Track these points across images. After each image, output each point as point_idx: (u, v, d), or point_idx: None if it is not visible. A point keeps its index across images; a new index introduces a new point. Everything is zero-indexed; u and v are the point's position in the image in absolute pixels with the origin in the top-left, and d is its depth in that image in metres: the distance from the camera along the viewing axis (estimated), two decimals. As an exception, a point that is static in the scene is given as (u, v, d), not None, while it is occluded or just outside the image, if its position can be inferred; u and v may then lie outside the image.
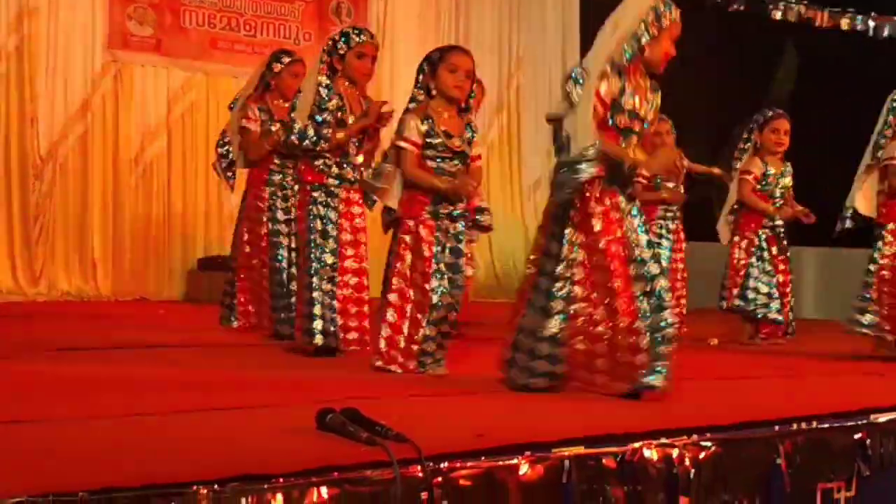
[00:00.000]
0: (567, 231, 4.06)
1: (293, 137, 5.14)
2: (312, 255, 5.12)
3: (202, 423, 3.28)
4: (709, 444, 3.34)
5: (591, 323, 4.04)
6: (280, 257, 6.03)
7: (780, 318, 6.50)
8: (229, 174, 6.38)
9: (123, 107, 8.89)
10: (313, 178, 5.21)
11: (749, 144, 6.60)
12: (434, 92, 4.69)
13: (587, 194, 4.05)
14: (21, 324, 6.69)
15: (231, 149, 6.33)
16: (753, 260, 6.52)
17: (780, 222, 6.60)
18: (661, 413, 3.73)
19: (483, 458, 2.88)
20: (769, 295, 6.48)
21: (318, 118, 5.11)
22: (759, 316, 6.52)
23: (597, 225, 4.05)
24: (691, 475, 3.27)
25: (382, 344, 4.63)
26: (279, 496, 2.52)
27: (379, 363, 4.63)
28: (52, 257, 8.54)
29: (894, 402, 3.98)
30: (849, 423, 3.74)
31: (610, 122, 4.06)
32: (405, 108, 4.74)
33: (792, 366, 5.45)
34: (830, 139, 7.93)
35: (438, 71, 4.66)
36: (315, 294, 5.10)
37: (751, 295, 6.49)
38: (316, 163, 5.19)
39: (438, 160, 4.64)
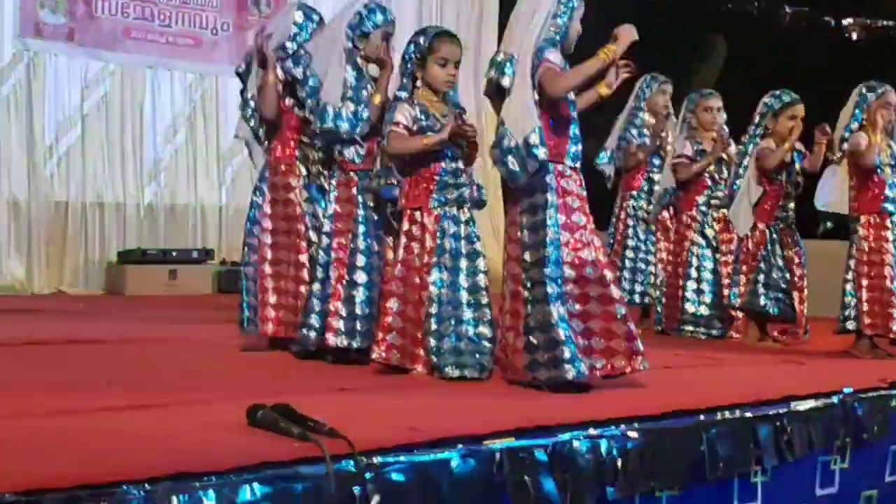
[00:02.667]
0: (548, 213, 4.07)
1: (329, 124, 4.76)
2: (368, 249, 4.79)
3: (131, 421, 3.23)
4: (635, 434, 3.39)
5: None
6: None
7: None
8: (261, 134, 5.39)
9: (37, 96, 8.69)
10: (358, 164, 4.89)
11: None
12: (420, 83, 4.51)
13: (552, 175, 4.10)
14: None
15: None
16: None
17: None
18: (589, 404, 3.78)
19: (416, 451, 2.89)
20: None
21: (353, 98, 4.81)
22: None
23: (574, 203, 4.13)
24: (619, 465, 3.32)
25: (392, 338, 4.38)
26: (211, 494, 2.50)
27: (396, 359, 4.39)
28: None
29: (812, 391, 4.09)
30: (769, 412, 3.83)
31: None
32: (394, 97, 4.53)
33: (714, 356, 5.54)
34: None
35: (427, 63, 4.46)
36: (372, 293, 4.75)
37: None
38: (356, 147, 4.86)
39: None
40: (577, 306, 4.11)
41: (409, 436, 2.96)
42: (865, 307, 5.58)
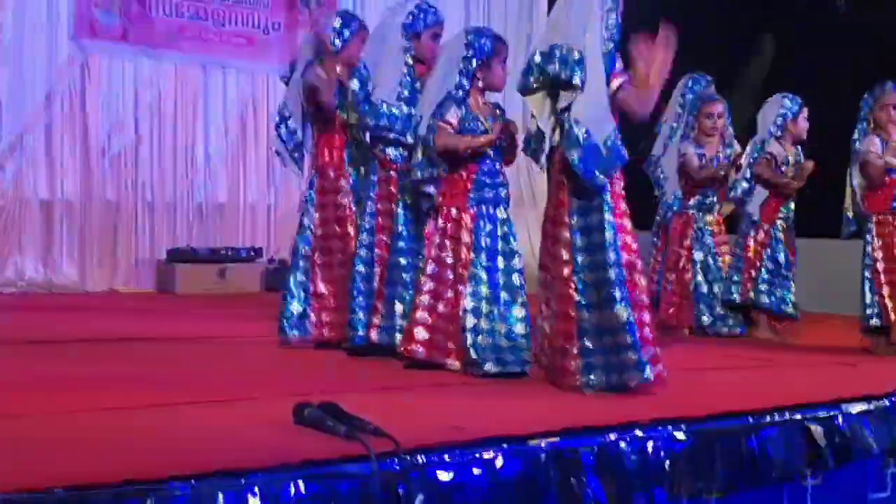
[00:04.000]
0: (605, 216, 4.03)
1: (382, 123, 4.86)
2: (408, 248, 4.82)
3: (179, 418, 3.26)
4: (682, 435, 3.36)
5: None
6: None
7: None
8: (296, 155, 5.48)
9: (91, 96, 8.79)
10: (395, 165, 4.98)
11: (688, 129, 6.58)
12: (481, 84, 4.57)
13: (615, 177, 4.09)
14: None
15: (295, 125, 5.45)
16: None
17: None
18: (636, 405, 3.75)
19: (460, 450, 2.89)
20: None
21: (407, 99, 4.88)
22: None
23: (621, 205, 4.11)
24: (666, 466, 3.29)
25: (422, 334, 4.47)
26: (256, 491, 2.51)
27: (424, 354, 4.46)
28: (20, 248, 8.45)
29: (865, 393, 4.03)
30: (820, 414, 3.78)
31: None
32: (447, 93, 4.51)
33: (767, 357, 5.48)
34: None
35: (492, 64, 4.55)
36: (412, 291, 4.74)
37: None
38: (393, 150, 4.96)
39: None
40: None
41: (454, 435, 2.96)
42: (890, 304, 5.62)
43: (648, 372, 3.94)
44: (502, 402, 3.79)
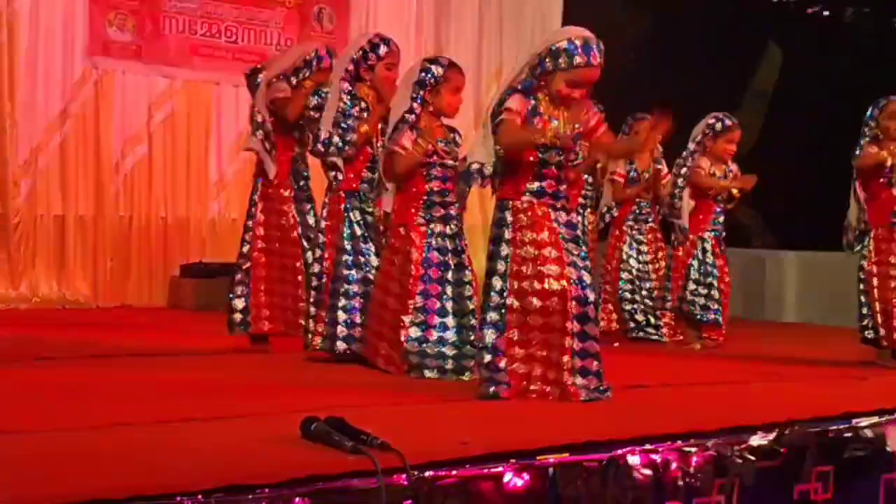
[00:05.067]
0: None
1: (319, 146, 5.25)
2: (352, 261, 5.23)
3: (186, 434, 3.27)
4: (692, 449, 3.36)
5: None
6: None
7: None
8: (268, 145, 5.81)
9: (104, 113, 8.84)
10: (346, 184, 5.33)
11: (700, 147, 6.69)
12: (431, 108, 4.91)
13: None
14: (1, 331, 6.64)
15: (269, 128, 5.81)
16: (694, 262, 6.68)
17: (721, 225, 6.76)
18: (644, 418, 3.74)
19: (468, 465, 2.89)
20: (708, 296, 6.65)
21: (343, 125, 5.23)
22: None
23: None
24: (678, 481, 3.29)
25: (384, 347, 4.87)
26: (264, 506, 2.52)
27: (381, 365, 4.87)
28: (33, 264, 8.49)
29: (875, 407, 4.02)
30: (830, 427, 3.77)
31: None
32: (401, 118, 4.86)
33: (775, 370, 5.47)
34: (804, 147, 7.99)
35: (441, 90, 4.90)
36: (343, 302, 5.20)
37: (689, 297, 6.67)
38: (346, 170, 5.32)
39: (436, 165, 4.91)
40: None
41: (461, 450, 2.96)
42: (881, 319, 5.72)
43: None
44: (510, 417, 3.78)
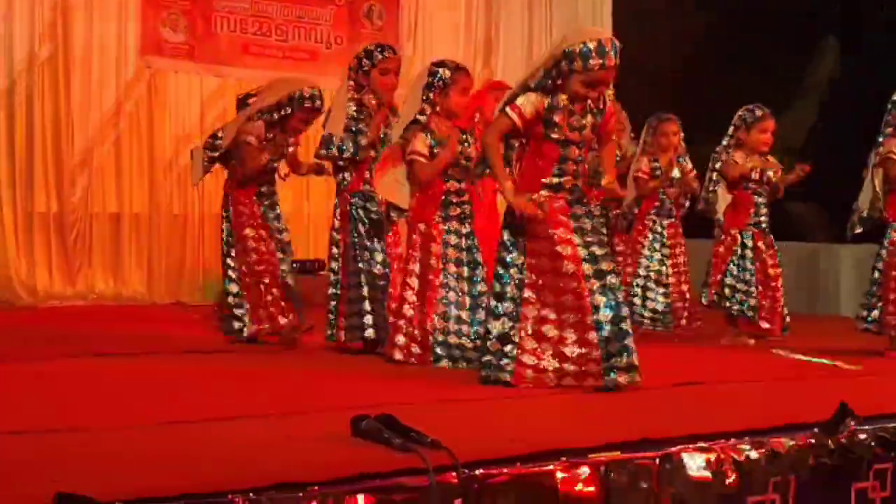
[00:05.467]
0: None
1: (333, 150, 5.53)
2: (360, 258, 5.52)
3: (238, 431, 3.29)
4: (747, 446, 3.31)
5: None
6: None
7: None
8: (206, 164, 6.23)
9: (157, 112, 8.93)
10: (352, 186, 5.59)
11: (732, 141, 6.62)
12: (439, 108, 5.14)
13: None
14: (57, 327, 6.74)
15: (221, 145, 6.13)
16: (733, 257, 6.58)
17: (764, 217, 6.64)
18: (698, 415, 3.71)
19: (518, 464, 2.87)
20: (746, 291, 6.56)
21: (353, 130, 5.52)
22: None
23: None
24: (730, 478, 3.25)
25: (400, 339, 5.06)
26: (315, 504, 2.53)
27: (398, 357, 5.04)
28: (89, 261, 8.59)
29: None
30: (889, 424, 3.70)
31: None
32: (413, 120, 5.12)
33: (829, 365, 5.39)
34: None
35: (450, 92, 5.11)
36: (366, 293, 5.48)
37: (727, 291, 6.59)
38: (352, 172, 5.58)
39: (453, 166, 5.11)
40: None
41: (511, 448, 2.94)
42: (892, 308, 5.79)
43: None
44: (560, 414, 3.77)
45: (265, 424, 3.42)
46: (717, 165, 6.62)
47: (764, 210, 6.62)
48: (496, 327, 4.36)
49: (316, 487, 2.56)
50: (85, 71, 8.62)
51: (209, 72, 9.15)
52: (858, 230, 6.00)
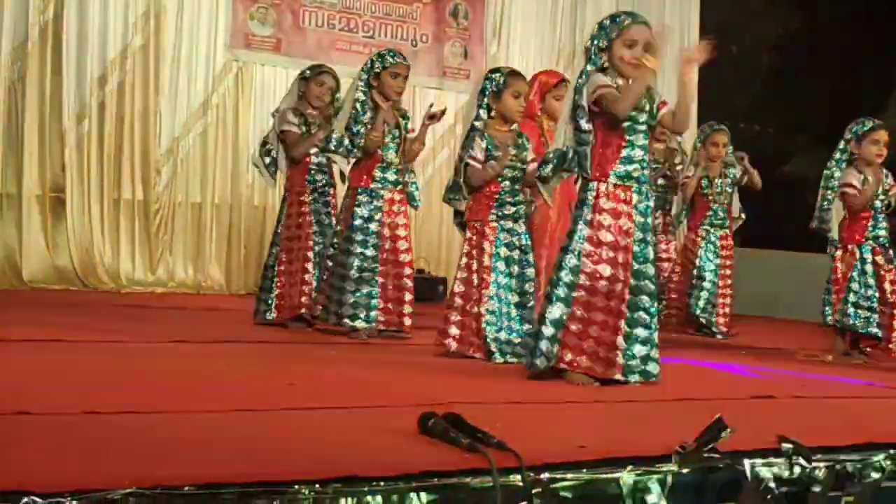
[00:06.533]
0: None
1: (331, 145, 5.92)
2: (353, 250, 5.86)
3: (305, 422, 3.32)
4: (820, 464, 3.25)
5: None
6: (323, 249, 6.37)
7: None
8: (272, 169, 6.63)
9: (243, 105, 9.05)
10: (357, 182, 5.97)
11: (845, 155, 6.48)
12: (494, 113, 5.36)
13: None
14: (138, 313, 6.87)
15: (273, 149, 6.60)
16: (854, 273, 6.42)
17: (884, 231, 6.48)
18: (767, 429, 3.65)
19: (585, 469, 2.85)
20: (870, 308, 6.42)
21: (354, 129, 5.84)
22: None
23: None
24: (800, 495, 3.19)
25: (454, 330, 5.28)
26: (378, 499, 2.54)
27: (455, 347, 5.25)
28: (171, 250, 8.75)
29: None
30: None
31: None
32: (470, 126, 5.35)
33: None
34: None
35: (503, 95, 5.31)
36: (354, 284, 5.84)
37: (850, 309, 6.42)
38: (359, 168, 5.95)
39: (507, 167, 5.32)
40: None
41: (578, 453, 2.93)
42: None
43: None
44: (630, 419, 3.74)
45: (333, 417, 3.44)
46: (832, 185, 6.45)
47: (884, 224, 6.47)
48: (554, 313, 4.54)
49: (381, 483, 2.57)
50: (174, 62, 8.77)
51: (295, 66, 9.23)
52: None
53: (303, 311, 6.33)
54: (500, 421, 3.21)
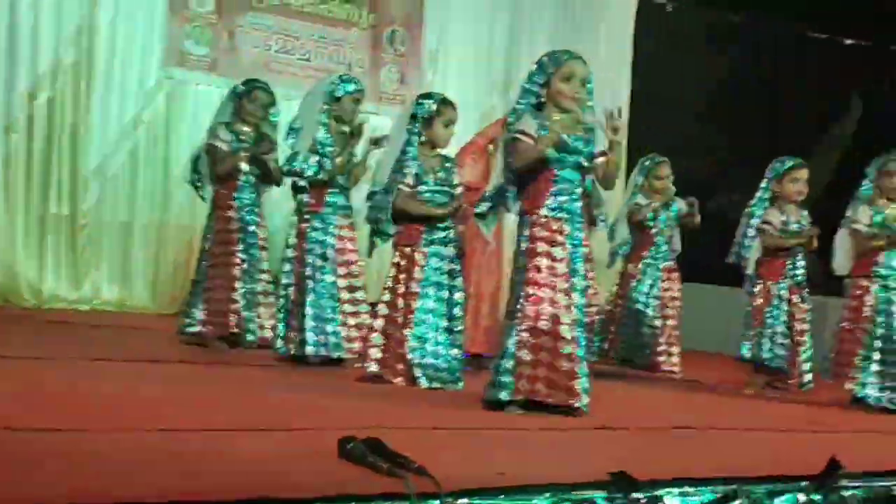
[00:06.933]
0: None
1: (295, 167, 5.91)
2: (311, 275, 5.82)
3: (225, 443, 3.31)
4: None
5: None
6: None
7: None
8: (201, 185, 6.84)
9: (174, 124, 8.98)
10: (311, 207, 5.94)
11: (766, 194, 6.61)
12: (424, 138, 5.43)
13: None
14: (61, 331, 6.77)
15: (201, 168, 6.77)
16: (770, 309, 6.52)
17: (801, 270, 6.61)
18: (682, 460, 3.70)
19: (503, 496, 2.87)
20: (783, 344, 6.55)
21: (321, 153, 5.86)
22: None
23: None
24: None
25: (375, 353, 5.28)
26: (297, 521, 2.53)
27: (373, 369, 5.27)
28: (97, 267, 8.62)
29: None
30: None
31: None
32: (401, 152, 5.38)
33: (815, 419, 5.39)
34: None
35: (434, 123, 5.41)
36: (313, 310, 5.79)
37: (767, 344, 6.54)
38: (311, 193, 5.93)
39: (436, 192, 5.38)
40: None
41: (497, 480, 2.94)
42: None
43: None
44: (551, 447, 3.77)
45: (252, 438, 3.43)
46: (754, 222, 6.57)
47: (801, 263, 6.59)
48: (510, 346, 4.54)
49: (299, 505, 2.57)
50: (107, 79, 8.67)
51: (230, 86, 9.18)
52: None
53: (231, 330, 6.33)
54: (421, 446, 3.22)
